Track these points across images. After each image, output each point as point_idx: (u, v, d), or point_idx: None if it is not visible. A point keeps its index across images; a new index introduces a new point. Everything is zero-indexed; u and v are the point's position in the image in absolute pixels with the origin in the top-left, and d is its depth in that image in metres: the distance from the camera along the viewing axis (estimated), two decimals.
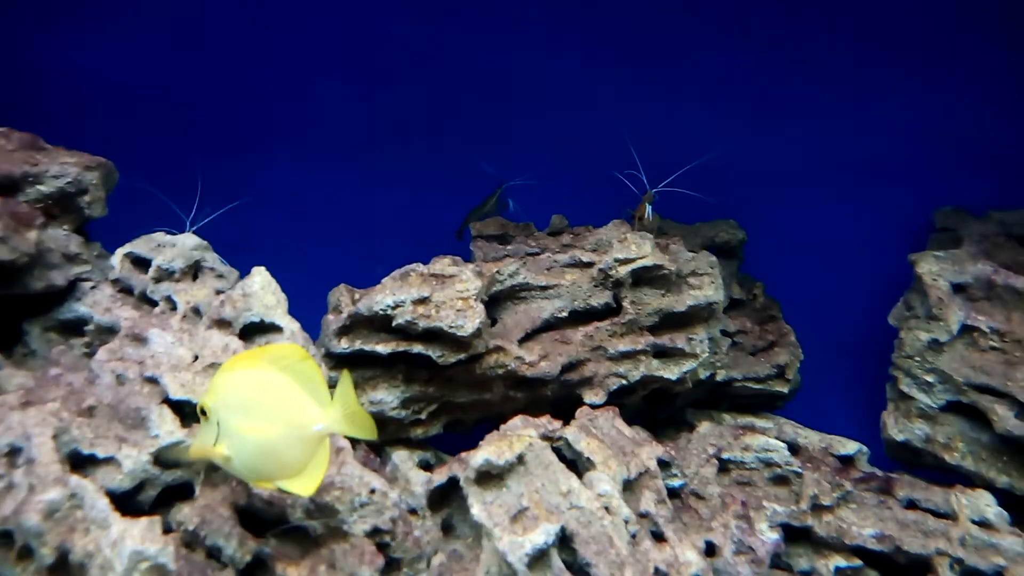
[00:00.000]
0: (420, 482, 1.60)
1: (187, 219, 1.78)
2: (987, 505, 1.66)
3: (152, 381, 1.38)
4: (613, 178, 2.07)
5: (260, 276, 1.56)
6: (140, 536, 1.14)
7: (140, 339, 1.51)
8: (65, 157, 1.66)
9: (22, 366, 1.56)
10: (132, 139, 2.13)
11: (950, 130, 2.28)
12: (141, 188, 1.82)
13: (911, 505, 1.71)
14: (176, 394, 1.36)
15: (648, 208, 2.05)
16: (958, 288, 1.92)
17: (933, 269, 1.93)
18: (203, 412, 1.14)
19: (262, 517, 1.30)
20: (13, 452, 1.23)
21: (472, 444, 1.49)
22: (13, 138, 1.65)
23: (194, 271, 1.69)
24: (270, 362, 1.15)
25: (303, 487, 1.17)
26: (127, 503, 1.25)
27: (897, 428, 1.91)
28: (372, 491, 1.31)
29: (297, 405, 1.15)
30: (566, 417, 1.67)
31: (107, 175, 1.73)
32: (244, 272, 1.59)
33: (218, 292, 1.61)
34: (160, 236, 1.69)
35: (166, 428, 1.30)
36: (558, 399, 1.83)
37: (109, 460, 1.26)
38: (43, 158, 1.63)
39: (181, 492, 1.32)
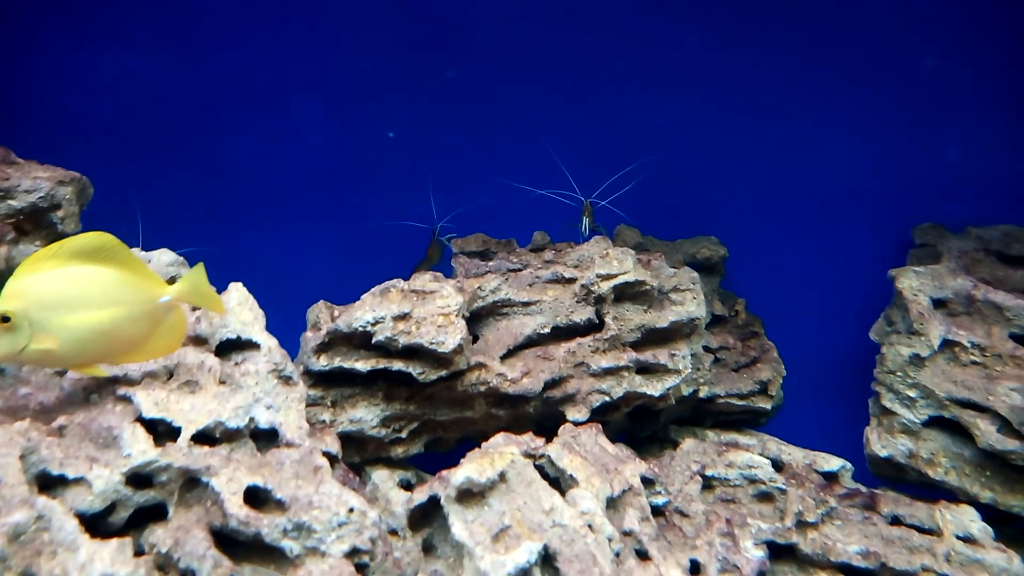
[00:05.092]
0: (400, 502, 1.57)
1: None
2: (971, 520, 1.65)
3: (125, 399, 1.34)
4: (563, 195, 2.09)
5: (237, 292, 1.53)
6: (110, 559, 1.11)
7: None
8: (38, 171, 1.63)
9: None
10: (109, 154, 2.11)
11: (928, 147, 2.31)
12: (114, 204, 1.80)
13: (896, 521, 1.70)
14: (149, 412, 1.32)
15: (585, 220, 2.06)
16: (938, 303, 1.93)
17: (913, 284, 1.94)
18: (4, 320, 1.16)
19: (237, 538, 1.26)
20: None
21: (453, 463, 1.47)
22: None
23: None
24: (75, 256, 1.20)
25: (164, 348, 1.30)
26: (98, 525, 1.21)
27: (880, 444, 1.91)
28: (351, 510, 1.27)
29: (133, 284, 1.24)
30: (549, 435, 1.65)
31: (81, 190, 1.70)
32: (221, 288, 1.56)
33: (194, 308, 1.58)
34: (135, 252, 1.66)
35: (139, 447, 1.26)
36: (541, 416, 1.81)
37: (79, 480, 1.22)
38: (15, 172, 1.60)
39: (154, 513, 1.28)
